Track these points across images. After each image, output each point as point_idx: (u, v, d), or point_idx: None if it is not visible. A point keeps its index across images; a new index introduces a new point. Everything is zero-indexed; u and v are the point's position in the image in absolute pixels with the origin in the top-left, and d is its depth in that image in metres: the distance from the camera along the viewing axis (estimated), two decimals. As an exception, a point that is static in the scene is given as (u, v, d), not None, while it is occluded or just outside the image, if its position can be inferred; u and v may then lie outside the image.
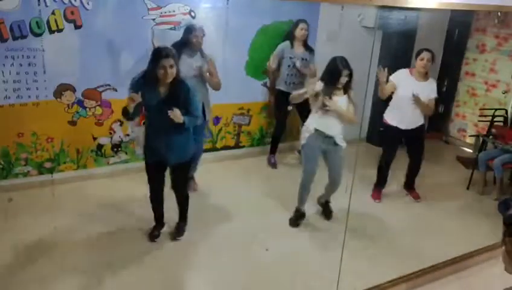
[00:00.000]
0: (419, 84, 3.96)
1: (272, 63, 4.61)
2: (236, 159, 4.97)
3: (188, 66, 3.70)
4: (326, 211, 3.93)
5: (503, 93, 5.56)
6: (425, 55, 3.93)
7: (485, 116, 5.30)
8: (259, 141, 5.24)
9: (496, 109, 5.14)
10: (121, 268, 3.10)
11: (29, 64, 3.76)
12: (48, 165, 4.12)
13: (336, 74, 3.43)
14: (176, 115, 2.97)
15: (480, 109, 5.59)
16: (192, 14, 4.27)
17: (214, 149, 4.96)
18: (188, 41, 3.79)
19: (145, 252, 3.30)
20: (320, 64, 4.64)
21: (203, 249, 3.38)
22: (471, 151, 5.74)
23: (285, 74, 4.62)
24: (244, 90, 4.85)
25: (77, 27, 3.84)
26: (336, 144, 3.59)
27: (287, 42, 4.61)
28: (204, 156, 4.83)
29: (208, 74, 3.87)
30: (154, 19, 4.14)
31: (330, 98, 3.45)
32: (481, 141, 5.17)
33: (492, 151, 4.68)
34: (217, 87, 3.97)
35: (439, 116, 6.31)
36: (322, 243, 3.60)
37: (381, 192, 4.33)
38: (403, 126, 4.04)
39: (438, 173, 5.11)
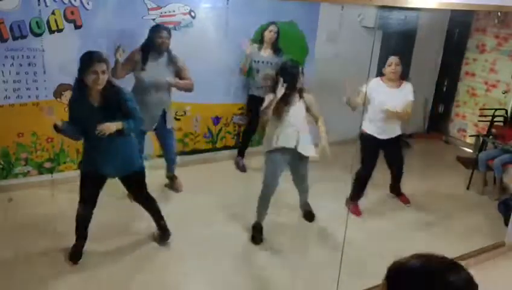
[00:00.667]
0: (392, 91, 3.80)
1: (243, 65, 4.52)
2: (233, 159, 4.97)
3: (153, 70, 3.66)
4: (308, 215, 3.85)
5: (503, 93, 5.56)
6: (392, 60, 3.80)
7: (485, 116, 5.30)
8: (259, 141, 5.23)
9: (496, 109, 5.14)
10: (122, 268, 3.10)
11: (29, 64, 3.76)
12: (48, 165, 4.12)
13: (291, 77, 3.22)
14: (105, 128, 2.79)
15: (480, 109, 5.59)
16: (192, 14, 4.28)
17: (214, 149, 4.96)
18: (153, 42, 3.69)
19: (144, 254, 3.30)
20: (319, 64, 4.68)
21: (201, 250, 3.38)
22: (471, 151, 5.74)
23: (254, 77, 4.52)
24: (244, 90, 4.84)
25: (77, 27, 3.84)
26: (301, 156, 3.42)
27: (254, 45, 4.50)
28: (205, 156, 4.85)
29: (177, 79, 3.78)
30: (154, 19, 4.14)
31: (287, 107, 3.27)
32: (481, 141, 5.18)
33: (492, 151, 4.69)
34: (190, 88, 3.87)
35: (439, 116, 6.33)
36: (322, 243, 3.60)
37: (358, 206, 4.07)
38: (380, 136, 3.87)
39: (438, 173, 5.11)
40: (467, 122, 6.07)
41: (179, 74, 3.80)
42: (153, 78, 3.66)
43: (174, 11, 4.20)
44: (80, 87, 2.81)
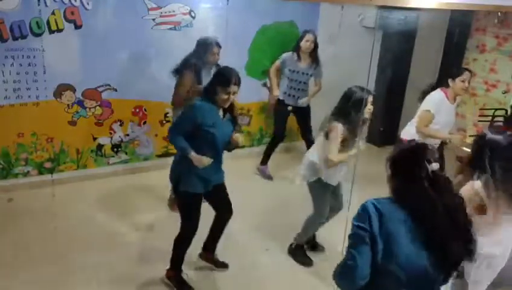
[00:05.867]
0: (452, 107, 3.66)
1: (272, 74, 4.53)
2: (236, 159, 4.96)
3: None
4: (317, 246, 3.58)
5: (503, 93, 5.56)
6: (467, 76, 3.53)
7: (485, 116, 5.29)
8: (259, 141, 5.24)
9: (496, 109, 5.14)
10: (119, 267, 3.11)
11: (29, 64, 3.76)
12: (48, 165, 4.12)
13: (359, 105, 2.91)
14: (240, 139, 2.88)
15: (480, 109, 5.59)
16: (192, 14, 4.28)
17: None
18: (204, 59, 3.66)
19: (142, 252, 3.30)
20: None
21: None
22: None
23: (285, 84, 4.51)
24: (244, 90, 4.81)
25: (77, 27, 3.84)
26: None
27: (290, 53, 4.45)
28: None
29: None
30: (154, 19, 4.14)
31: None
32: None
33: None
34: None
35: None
36: (322, 243, 3.60)
37: None
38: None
39: (438, 173, 5.10)
40: (467, 122, 6.07)
41: None
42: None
43: (174, 11, 4.20)
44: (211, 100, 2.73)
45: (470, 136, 5.97)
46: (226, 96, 2.70)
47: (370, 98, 2.97)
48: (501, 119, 5.15)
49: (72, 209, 3.75)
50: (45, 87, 3.88)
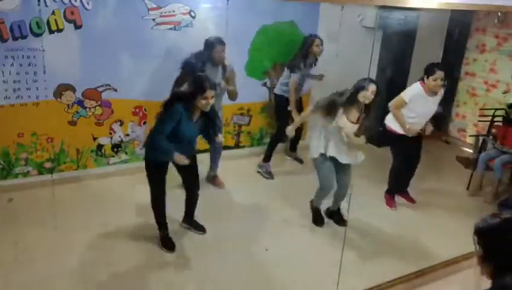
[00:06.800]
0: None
1: (292, 92, 4.48)
2: (236, 159, 4.97)
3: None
4: (338, 218, 3.87)
5: (503, 93, 5.56)
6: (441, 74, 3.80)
7: (485, 116, 5.30)
8: (259, 141, 5.24)
9: (496, 109, 5.14)
10: (121, 268, 3.11)
11: (29, 64, 3.76)
12: (48, 165, 4.12)
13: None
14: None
15: (480, 109, 5.59)
16: (192, 14, 4.27)
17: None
18: (211, 57, 3.85)
19: (143, 252, 3.30)
20: (319, 64, 4.67)
21: (203, 249, 3.39)
22: (471, 151, 5.74)
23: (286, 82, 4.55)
24: (244, 90, 4.83)
25: (77, 27, 3.84)
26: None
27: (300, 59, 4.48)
28: (204, 156, 4.84)
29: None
30: (154, 19, 4.14)
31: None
32: (481, 141, 5.17)
33: (492, 151, 4.67)
34: (235, 97, 4.15)
35: (439, 116, 6.32)
36: (322, 243, 3.60)
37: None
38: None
39: (438, 173, 5.11)
40: (467, 122, 6.07)
41: (227, 80, 4.02)
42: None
43: (174, 11, 4.20)
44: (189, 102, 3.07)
45: (470, 136, 5.98)
46: (204, 101, 3.02)
47: (372, 87, 3.28)
48: (500, 119, 5.16)
49: (72, 209, 3.74)
50: (45, 87, 3.87)
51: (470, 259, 3.46)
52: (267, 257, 3.38)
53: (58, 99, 3.98)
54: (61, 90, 3.97)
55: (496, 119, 5.03)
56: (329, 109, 3.38)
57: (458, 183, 4.85)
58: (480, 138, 5.32)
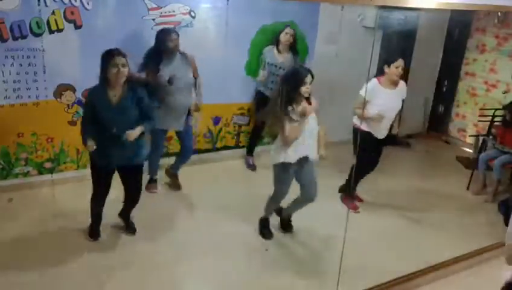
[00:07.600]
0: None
1: (262, 76, 4.49)
2: (236, 159, 4.97)
3: (170, 73, 3.70)
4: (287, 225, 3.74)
5: (503, 93, 5.56)
6: (401, 62, 3.85)
7: (485, 116, 5.30)
8: (259, 141, 5.23)
9: (496, 109, 5.14)
10: (122, 269, 3.11)
11: (29, 64, 3.76)
12: (48, 165, 4.12)
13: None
14: (131, 136, 2.94)
15: (480, 109, 5.59)
16: (192, 14, 4.27)
17: (214, 149, 4.96)
18: (166, 46, 3.71)
19: (141, 252, 3.30)
20: (319, 64, 4.67)
21: (198, 250, 3.38)
22: (471, 151, 5.74)
23: (267, 78, 4.51)
24: (244, 90, 4.85)
25: (77, 27, 3.84)
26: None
27: (270, 47, 4.53)
28: (205, 156, 4.85)
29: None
30: (154, 19, 4.14)
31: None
32: (481, 141, 5.17)
33: (492, 151, 4.68)
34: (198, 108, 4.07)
35: (439, 116, 6.33)
36: (322, 243, 3.60)
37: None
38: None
39: (438, 173, 5.11)
40: (467, 122, 6.08)
41: (194, 71, 3.91)
42: (177, 80, 3.72)
43: (174, 11, 4.20)
44: (102, 84, 2.92)
45: (470, 136, 5.98)
46: (115, 69, 2.84)
47: (308, 78, 3.15)
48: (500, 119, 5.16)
49: (72, 209, 3.74)
50: (45, 87, 3.87)
51: (470, 259, 3.47)
52: (267, 257, 3.38)
53: (58, 99, 3.98)
54: (61, 90, 3.97)
55: (495, 119, 5.03)
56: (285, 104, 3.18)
57: (458, 183, 4.85)
58: (480, 138, 5.33)
